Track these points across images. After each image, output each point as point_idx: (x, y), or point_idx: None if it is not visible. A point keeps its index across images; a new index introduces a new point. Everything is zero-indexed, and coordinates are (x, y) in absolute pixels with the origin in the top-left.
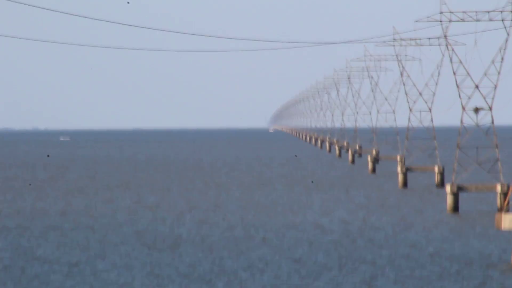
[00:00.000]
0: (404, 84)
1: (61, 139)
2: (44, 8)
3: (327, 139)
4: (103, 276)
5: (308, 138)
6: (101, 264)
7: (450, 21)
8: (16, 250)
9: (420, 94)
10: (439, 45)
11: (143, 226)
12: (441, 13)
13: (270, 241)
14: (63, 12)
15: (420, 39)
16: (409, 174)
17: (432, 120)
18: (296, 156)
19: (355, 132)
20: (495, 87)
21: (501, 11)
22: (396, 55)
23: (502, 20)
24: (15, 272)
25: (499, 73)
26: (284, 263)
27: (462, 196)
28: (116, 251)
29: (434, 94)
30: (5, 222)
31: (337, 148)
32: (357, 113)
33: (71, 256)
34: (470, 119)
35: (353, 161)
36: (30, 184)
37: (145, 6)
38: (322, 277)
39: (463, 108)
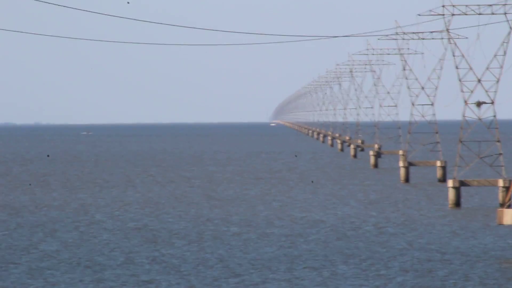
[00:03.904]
0: (406, 78)
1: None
2: (44, 2)
3: (329, 133)
4: (104, 271)
5: (310, 133)
6: (102, 258)
7: (453, 14)
8: (16, 245)
9: (423, 88)
10: (441, 38)
11: (145, 221)
12: (443, 6)
13: (270, 236)
14: (64, 6)
15: (422, 32)
16: (411, 169)
17: (434, 114)
18: (296, 156)
19: (357, 127)
20: (498, 81)
21: (504, 5)
22: (399, 49)
23: (505, 14)
24: (16, 267)
25: (501, 67)
26: (284, 258)
27: (464, 190)
28: (117, 246)
29: (436, 88)
30: (6, 216)
31: (339, 142)
32: (359, 107)
33: (71, 251)
34: (472, 113)
35: (355, 156)
36: (30, 184)
37: (147, 0)
38: (322, 272)
39: (465, 102)
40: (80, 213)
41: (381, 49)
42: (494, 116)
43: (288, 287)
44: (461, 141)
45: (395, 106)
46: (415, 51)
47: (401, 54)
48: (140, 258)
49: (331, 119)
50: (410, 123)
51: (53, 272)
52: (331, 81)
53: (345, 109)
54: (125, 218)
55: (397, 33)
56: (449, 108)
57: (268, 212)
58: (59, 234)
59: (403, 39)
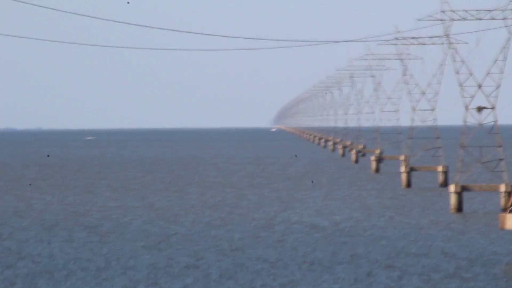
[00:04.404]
0: (407, 83)
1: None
2: (45, 7)
3: (330, 138)
4: (103, 276)
5: (311, 138)
6: (101, 263)
7: (452, 19)
8: (14, 249)
9: (423, 93)
10: (441, 44)
11: (143, 226)
12: (442, 11)
13: (270, 240)
14: (63, 11)
15: (422, 37)
16: (412, 174)
17: (435, 120)
18: (296, 156)
19: (359, 132)
20: (498, 86)
21: (503, 10)
22: (399, 54)
23: (504, 19)
24: (13, 271)
25: (502, 72)
26: (285, 262)
27: (465, 196)
28: (116, 251)
29: (437, 93)
30: (4, 220)
31: (340, 147)
32: (360, 112)
33: (69, 255)
34: (473, 119)
35: (356, 161)
36: (30, 184)
37: (147, 5)
38: (323, 276)
39: (466, 108)
40: (80, 217)
41: (381, 54)
42: (495, 121)
43: None
44: (462, 146)
45: (396, 111)
46: (415, 56)
47: (401, 59)
48: (139, 262)
49: (332, 124)
50: (411, 128)
51: (51, 276)
52: (331, 86)
53: (346, 114)
54: (124, 222)
55: (397, 38)
56: (450, 113)
57: (267, 216)
58: (58, 238)
59: (403, 44)
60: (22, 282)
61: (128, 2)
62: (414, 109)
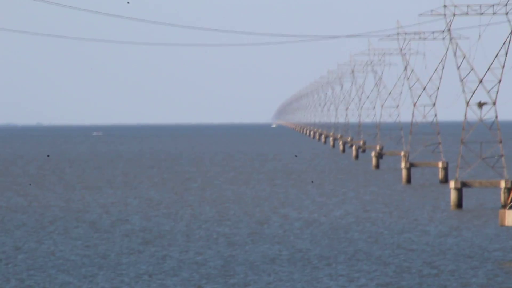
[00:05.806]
0: (408, 79)
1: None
2: (47, 2)
3: (331, 134)
4: (100, 272)
5: (311, 133)
6: (99, 259)
7: (454, 14)
8: (13, 245)
9: (424, 88)
10: (443, 39)
11: (143, 222)
12: (444, 6)
13: (272, 236)
14: (65, 6)
15: (424, 32)
16: (413, 170)
17: (436, 115)
18: (296, 156)
19: (359, 127)
20: (499, 81)
21: (505, 5)
22: (400, 49)
23: (506, 14)
24: (12, 267)
25: (503, 67)
26: (284, 259)
27: (466, 192)
28: (114, 247)
29: (438, 88)
30: (6, 217)
31: (340, 143)
32: (361, 108)
33: (68, 252)
34: (474, 114)
35: (357, 157)
36: (30, 184)
37: (149, 0)
38: (322, 271)
39: (467, 103)
40: (79, 214)
41: (382, 49)
42: (496, 117)
43: (289, 286)
44: (463, 142)
45: (397, 106)
46: (417, 51)
47: (402, 54)
48: (138, 259)
49: (332, 120)
50: (411, 124)
51: (48, 272)
52: (332, 82)
53: (346, 109)
54: (123, 219)
55: (398, 33)
56: (451, 109)
57: (266, 213)
58: (56, 235)
59: (405, 39)
60: (18, 279)
61: (128, 2)
62: (414, 104)
